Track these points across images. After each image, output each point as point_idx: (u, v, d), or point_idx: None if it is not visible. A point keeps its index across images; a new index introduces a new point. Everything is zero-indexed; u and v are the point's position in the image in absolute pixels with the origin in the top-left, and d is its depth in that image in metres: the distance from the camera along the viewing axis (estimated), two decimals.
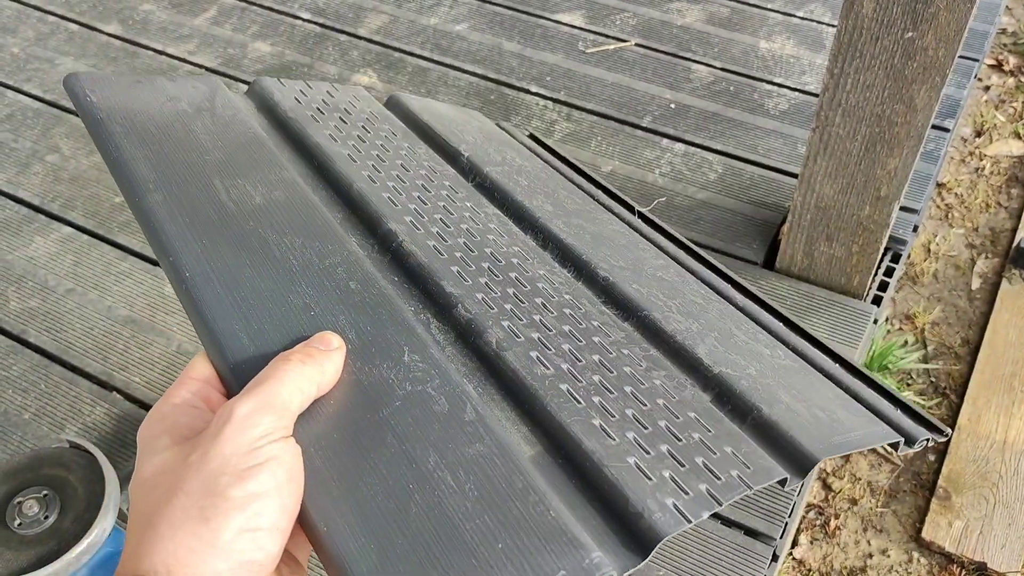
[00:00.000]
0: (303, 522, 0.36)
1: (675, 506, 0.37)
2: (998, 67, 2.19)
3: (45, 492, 0.96)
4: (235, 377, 0.40)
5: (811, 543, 1.38)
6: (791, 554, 1.36)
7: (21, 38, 1.93)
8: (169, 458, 0.36)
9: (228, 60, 1.86)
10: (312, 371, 0.38)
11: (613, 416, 0.41)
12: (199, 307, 0.43)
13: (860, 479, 1.45)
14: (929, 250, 1.79)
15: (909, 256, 1.76)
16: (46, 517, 0.95)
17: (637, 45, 1.87)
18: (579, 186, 0.68)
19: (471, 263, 0.49)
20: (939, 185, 1.92)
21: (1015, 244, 1.74)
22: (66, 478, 0.98)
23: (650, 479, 0.38)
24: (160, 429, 0.38)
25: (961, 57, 1.72)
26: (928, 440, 0.50)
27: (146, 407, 1.23)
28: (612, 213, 0.65)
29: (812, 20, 1.91)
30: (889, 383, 0.56)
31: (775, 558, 1.07)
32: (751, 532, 1.09)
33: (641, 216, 0.65)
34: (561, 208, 0.60)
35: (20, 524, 0.94)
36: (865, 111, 1.08)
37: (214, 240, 0.46)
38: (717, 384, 0.46)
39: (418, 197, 0.54)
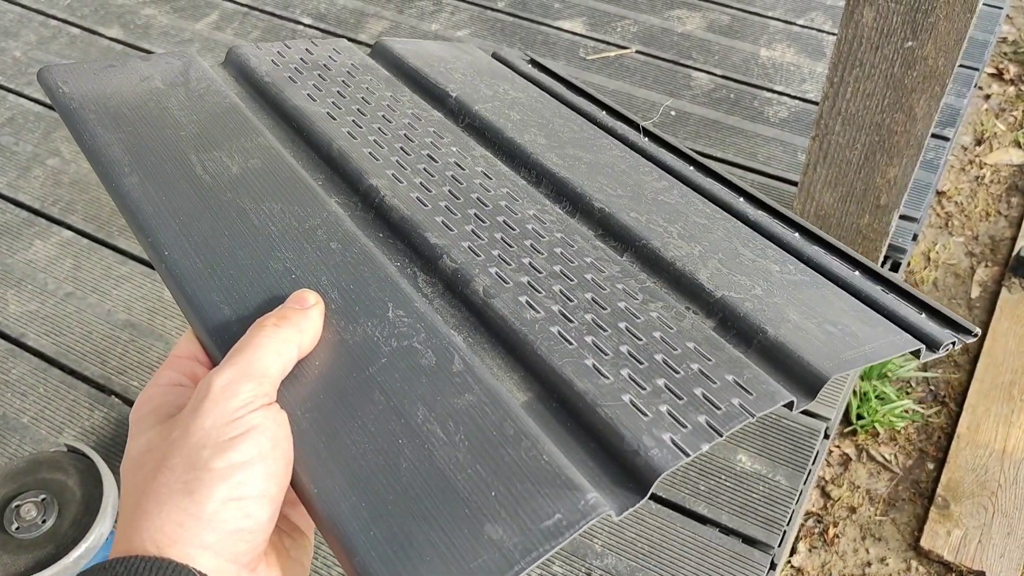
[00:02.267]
0: (294, 486, 0.36)
1: (672, 441, 0.36)
2: (998, 76, 2.19)
3: (43, 496, 0.96)
4: (219, 350, 0.39)
5: (809, 551, 1.38)
6: (789, 562, 1.36)
7: (23, 42, 1.93)
8: (153, 437, 0.36)
9: None
10: (289, 332, 0.38)
11: (607, 354, 0.40)
12: (179, 283, 0.43)
13: (859, 487, 1.45)
14: (929, 258, 1.79)
15: (909, 264, 1.76)
16: (44, 521, 0.95)
17: (638, 52, 1.87)
18: (579, 110, 0.66)
19: (456, 211, 0.48)
20: (939, 193, 1.92)
21: (1015, 253, 1.74)
22: (64, 482, 0.98)
23: (646, 415, 0.37)
24: (147, 410, 0.38)
25: (961, 66, 1.72)
26: (953, 343, 0.48)
27: None
28: (614, 135, 0.63)
29: (812, 28, 1.92)
30: (918, 291, 0.52)
31: (773, 566, 1.07)
32: (749, 540, 1.09)
33: (647, 133, 0.63)
34: (556, 139, 0.58)
35: (18, 528, 0.94)
36: (865, 120, 1.09)
37: (191, 215, 0.46)
38: (720, 309, 0.45)
39: (400, 148, 0.53)
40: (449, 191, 0.50)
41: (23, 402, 1.24)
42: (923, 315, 0.50)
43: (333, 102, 0.57)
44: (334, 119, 0.55)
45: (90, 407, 1.24)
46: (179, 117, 0.52)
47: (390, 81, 0.62)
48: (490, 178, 0.52)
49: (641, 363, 0.40)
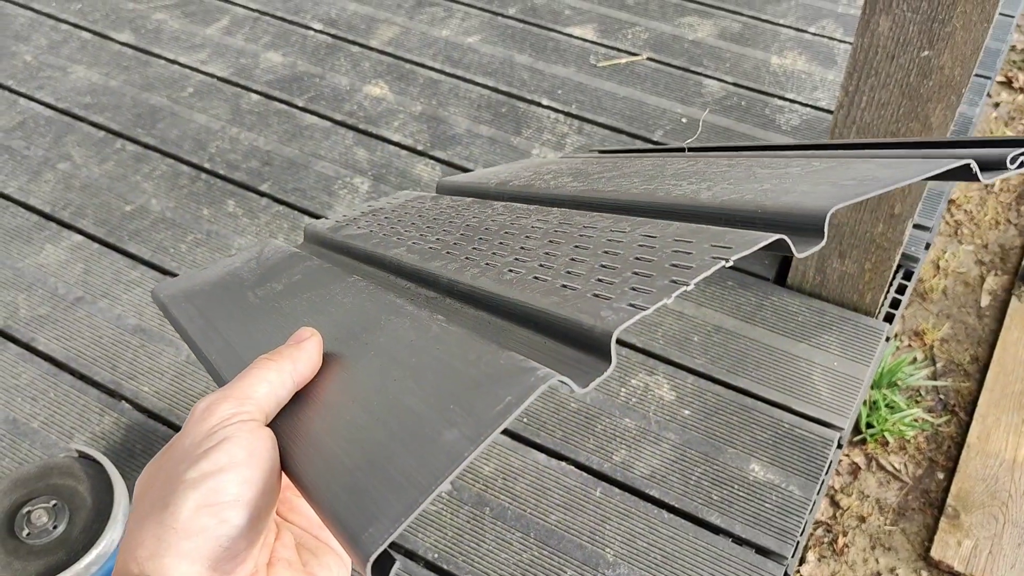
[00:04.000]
0: (301, 491, 0.37)
1: (631, 305, 0.35)
2: (1008, 84, 2.19)
3: (54, 502, 0.96)
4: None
5: (819, 560, 1.37)
6: (799, 571, 1.36)
7: (34, 46, 1.94)
8: (153, 467, 0.37)
9: (240, 70, 1.86)
10: (281, 363, 0.40)
11: (580, 274, 0.40)
12: (219, 373, 0.45)
13: (868, 496, 1.44)
14: (939, 267, 1.78)
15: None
16: (55, 527, 0.94)
17: (649, 59, 1.87)
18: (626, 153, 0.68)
19: (463, 243, 0.50)
20: (949, 202, 1.91)
21: None
22: (75, 488, 0.98)
23: (608, 299, 0.36)
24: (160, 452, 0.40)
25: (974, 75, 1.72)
26: (1021, 160, 0.42)
27: (154, 416, 1.23)
28: (652, 158, 0.63)
29: (824, 36, 1.92)
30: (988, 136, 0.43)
31: None
32: (762, 551, 1.08)
33: (693, 149, 0.63)
34: (583, 177, 0.60)
35: (29, 534, 0.94)
36: (880, 129, 1.08)
37: (238, 327, 0.49)
38: (721, 213, 0.43)
39: (427, 227, 0.57)
40: (460, 234, 0.53)
41: (33, 407, 1.24)
42: (984, 149, 0.45)
43: (378, 225, 0.61)
44: (373, 232, 0.60)
45: (100, 412, 1.23)
46: (246, 276, 0.57)
47: (436, 197, 0.67)
48: (501, 215, 0.55)
49: (615, 268, 0.39)
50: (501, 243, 0.48)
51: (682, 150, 0.64)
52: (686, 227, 0.42)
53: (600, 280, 0.38)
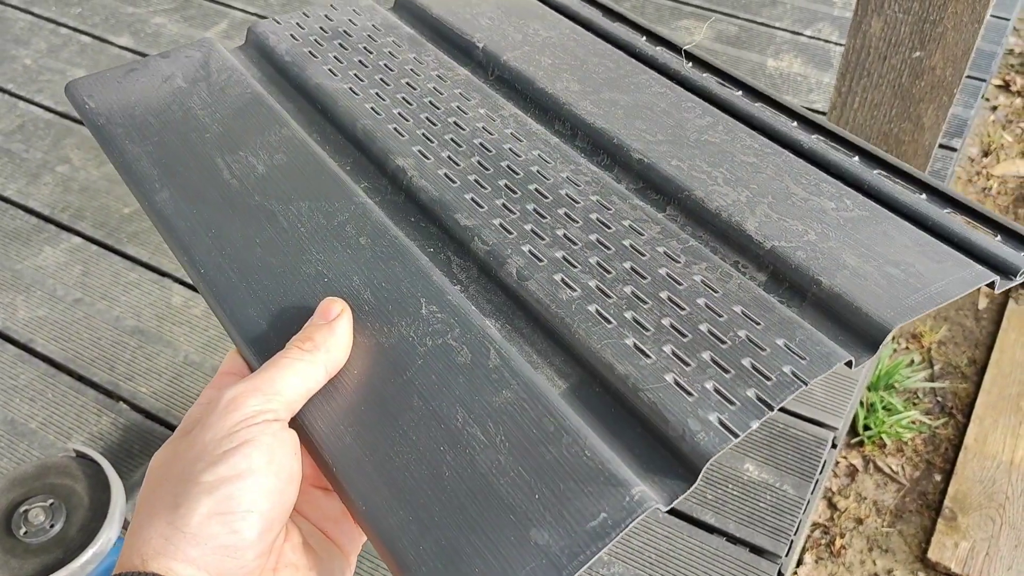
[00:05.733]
0: (345, 504, 0.36)
1: (720, 421, 0.34)
2: (1005, 87, 2.20)
3: (51, 501, 0.96)
4: (259, 364, 0.39)
5: (816, 562, 1.37)
6: (796, 573, 1.36)
7: (33, 50, 1.95)
8: (169, 450, 0.36)
9: None
10: (314, 355, 0.38)
11: (647, 330, 0.39)
12: (217, 299, 0.42)
13: (866, 498, 1.44)
14: None
15: None
16: (52, 526, 0.95)
17: None
18: (615, 40, 0.62)
19: (486, 184, 0.47)
20: None
21: None
22: (72, 487, 0.98)
23: (691, 395, 0.36)
24: (179, 428, 0.38)
25: (968, 77, 1.73)
26: None
27: (152, 417, 1.24)
28: (654, 66, 0.59)
29: (820, 39, 1.92)
30: (992, 211, 0.46)
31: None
32: (756, 549, 1.09)
33: (689, 57, 0.59)
34: (590, 82, 0.56)
35: (26, 533, 0.94)
36: (872, 130, 1.09)
37: (221, 226, 0.45)
38: (771, 262, 0.43)
39: (427, 119, 0.52)
40: (478, 162, 0.49)
41: (32, 407, 1.25)
42: (997, 237, 0.46)
43: (355, 74, 0.56)
44: (357, 94, 0.54)
45: (98, 413, 1.24)
46: (203, 118, 0.52)
47: (413, 39, 0.60)
48: (520, 140, 0.51)
49: (684, 336, 0.38)
50: (537, 212, 0.45)
51: (678, 49, 0.60)
52: (748, 291, 0.41)
53: (674, 354, 0.38)
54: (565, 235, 0.44)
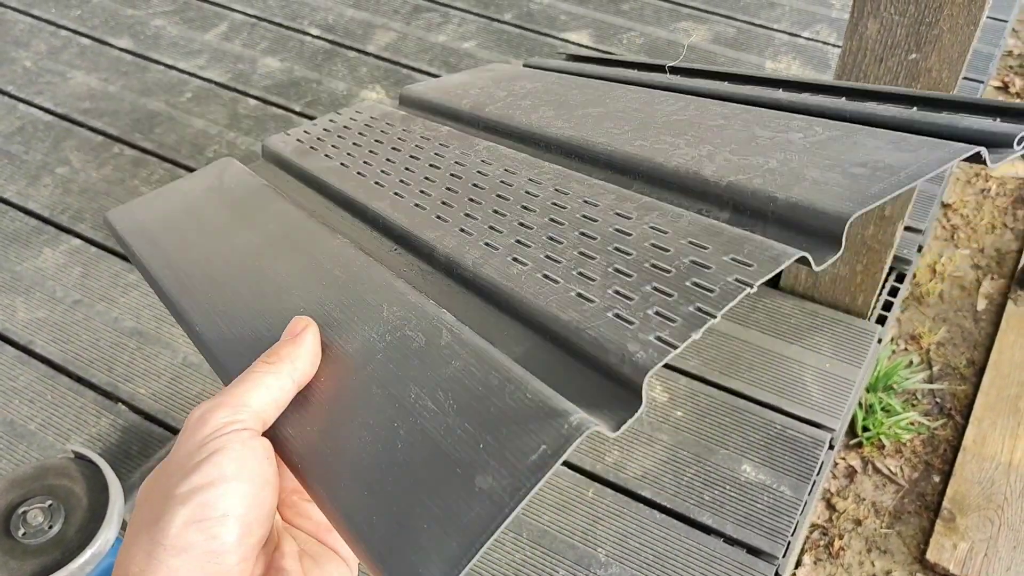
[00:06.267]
0: (314, 500, 0.36)
1: (659, 339, 0.34)
2: (1004, 89, 2.20)
3: (50, 502, 0.97)
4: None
5: (815, 563, 1.38)
6: (795, 574, 1.36)
7: (33, 52, 1.95)
8: (154, 474, 0.37)
9: (238, 75, 1.87)
10: (280, 366, 0.39)
11: (593, 280, 0.39)
12: (211, 350, 0.44)
13: (864, 499, 1.44)
14: (935, 271, 1.79)
15: (915, 276, 1.76)
16: (50, 527, 0.95)
17: None
18: (603, 77, 0.63)
19: (453, 203, 0.49)
20: (945, 206, 1.92)
21: (1021, 265, 1.74)
22: (71, 488, 0.99)
23: (631, 324, 0.35)
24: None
25: (965, 79, 1.73)
26: None
27: (151, 418, 1.24)
28: (637, 84, 0.60)
29: (817, 41, 1.92)
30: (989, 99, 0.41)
31: None
32: (754, 550, 1.09)
33: (674, 70, 0.60)
34: (566, 107, 0.57)
35: (24, 534, 0.94)
36: None
37: (219, 291, 0.48)
38: (730, 197, 0.42)
39: (406, 169, 0.55)
40: (447, 188, 0.51)
41: (31, 409, 1.25)
42: (997, 120, 0.44)
43: (348, 154, 0.59)
44: (347, 167, 0.57)
45: (97, 414, 1.24)
46: (209, 212, 0.55)
47: (406, 119, 0.63)
48: (489, 163, 0.53)
49: (630, 276, 0.38)
50: (496, 212, 0.47)
51: (663, 68, 0.61)
52: (697, 224, 0.41)
53: (618, 293, 0.38)
54: (520, 223, 0.45)
